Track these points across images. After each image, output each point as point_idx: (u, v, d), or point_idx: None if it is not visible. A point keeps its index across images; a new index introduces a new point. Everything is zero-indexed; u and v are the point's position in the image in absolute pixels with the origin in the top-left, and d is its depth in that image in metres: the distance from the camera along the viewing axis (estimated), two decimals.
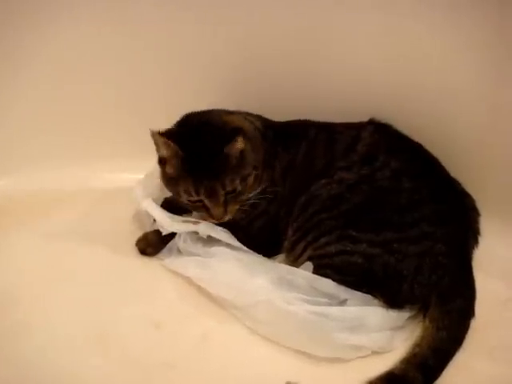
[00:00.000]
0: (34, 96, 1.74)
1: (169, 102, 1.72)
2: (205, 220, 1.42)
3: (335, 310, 1.28)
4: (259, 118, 1.54)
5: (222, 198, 1.35)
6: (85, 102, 1.76)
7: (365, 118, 1.50)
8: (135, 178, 1.63)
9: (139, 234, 1.55)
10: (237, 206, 1.40)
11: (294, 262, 1.41)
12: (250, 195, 1.41)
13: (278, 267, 1.39)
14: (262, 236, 1.47)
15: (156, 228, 1.50)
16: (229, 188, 1.34)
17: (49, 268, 1.48)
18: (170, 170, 1.38)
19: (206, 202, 1.35)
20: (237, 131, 1.33)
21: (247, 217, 1.46)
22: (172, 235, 1.46)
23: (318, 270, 1.35)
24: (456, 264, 1.31)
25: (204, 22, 1.64)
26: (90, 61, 1.71)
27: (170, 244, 1.48)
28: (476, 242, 1.36)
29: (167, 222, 1.46)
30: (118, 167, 1.78)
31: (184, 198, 1.37)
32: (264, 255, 1.44)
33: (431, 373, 1.19)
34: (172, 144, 1.33)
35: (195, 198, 1.35)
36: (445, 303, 1.28)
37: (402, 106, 1.53)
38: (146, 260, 1.51)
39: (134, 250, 1.53)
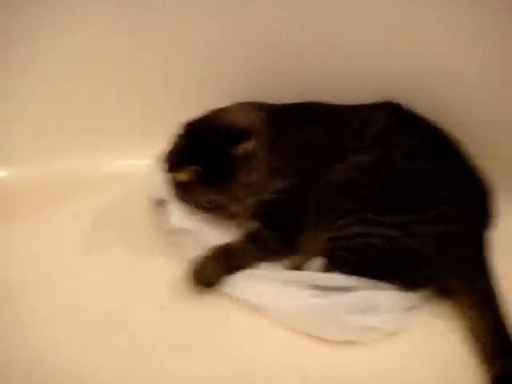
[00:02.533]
0: (46, 85, 1.72)
1: (174, 90, 1.73)
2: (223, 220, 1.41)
3: (345, 296, 1.28)
4: (262, 105, 1.52)
5: (237, 194, 1.34)
6: (96, 90, 1.74)
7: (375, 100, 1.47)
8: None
9: (149, 221, 1.53)
10: (253, 201, 1.38)
11: (310, 246, 1.40)
12: (267, 187, 1.40)
13: (282, 273, 1.37)
14: (291, 213, 1.41)
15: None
16: (243, 181, 1.34)
17: (58, 255, 1.48)
18: (182, 177, 1.35)
19: (223, 199, 1.34)
20: (246, 133, 1.33)
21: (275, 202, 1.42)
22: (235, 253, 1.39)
23: (334, 253, 1.34)
24: (474, 245, 1.32)
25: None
26: (102, 51, 1.69)
27: None
28: (492, 223, 1.35)
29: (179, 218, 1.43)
30: (129, 154, 1.77)
31: (200, 200, 1.35)
32: (286, 244, 1.42)
33: None
34: (192, 168, 1.32)
35: (211, 197, 1.34)
36: (470, 285, 1.27)
37: (414, 88, 1.51)
38: (159, 244, 1.49)
39: (145, 238, 1.51)
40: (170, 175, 1.39)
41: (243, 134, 1.33)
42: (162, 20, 1.63)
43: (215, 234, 1.43)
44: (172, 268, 1.40)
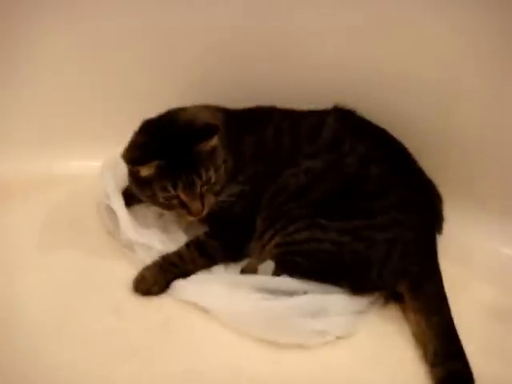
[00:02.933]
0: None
1: (127, 93, 1.72)
2: (182, 219, 1.39)
3: (295, 299, 1.29)
4: (218, 108, 1.51)
5: (198, 190, 1.32)
6: (48, 90, 1.72)
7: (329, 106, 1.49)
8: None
9: (101, 224, 1.52)
10: (212, 200, 1.36)
11: (261, 250, 1.40)
12: (223, 189, 1.38)
13: (233, 276, 1.39)
14: (240, 222, 1.43)
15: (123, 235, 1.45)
16: (204, 178, 1.31)
17: (7, 255, 1.46)
18: (145, 172, 1.32)
19: (183, 196, 1.32)
20: (213, 129, 1.31)
21: (227, 206, 1.41)
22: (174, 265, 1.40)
23: (284, 258, 1.35)
24: (424, 250, 1.33)
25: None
26: (55, 51, 1.67)
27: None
28: (440, 228, 1.38)
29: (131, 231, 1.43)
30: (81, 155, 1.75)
31: (160, 197, 1.33)
32: (233, 251, 1.43)
33: (459, 354, 1.19)
34: (154, 163, 1.29)
35: (172, 193, 1.31)
36: (418, 289, 1.29)
37: (365, 94, 1.53)
38: (110, 246, 1.49)
39: (97, 234, 1.51)
40: (129, 170, 1.37)
41: (210, 129, 1.31)
42: (115, 23, 1.63)
43: (166, 245, 1.44)
44: (124, 271, 1.40)
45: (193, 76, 1.67)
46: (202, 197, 1.33)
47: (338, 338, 1.27)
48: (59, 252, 1.47)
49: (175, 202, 1.33)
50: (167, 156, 1.28)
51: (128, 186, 1.49)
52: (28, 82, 1.69)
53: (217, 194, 1.37)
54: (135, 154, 1.32)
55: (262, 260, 1.38)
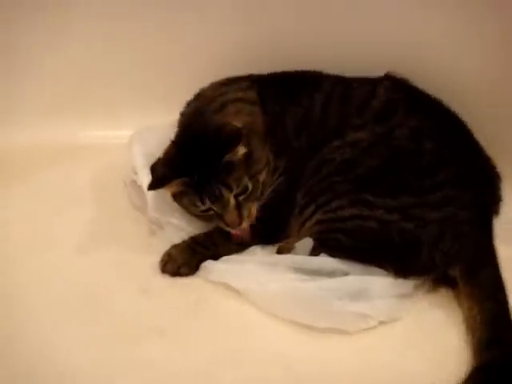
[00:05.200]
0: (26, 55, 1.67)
1: (169, 57, 1.67)
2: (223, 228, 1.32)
3: (334, 280, 1.24)
4: (251, 82, 1.44)
5: (232, 202, 1.25)
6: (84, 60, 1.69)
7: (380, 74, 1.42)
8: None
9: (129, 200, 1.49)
10: (254, 207, 1.29)
11: (301, 227, 1.33)
12: (267, 191, 1.32)
13: (268, 256, 1.34)
14: (284, 199, 1.35)
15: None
16: (236, 190, 1.25)
17: (36, 229, 1.44)
18: (172, 190, 1.29)
19: (216, 209, 1.26)
20: (236, 138, 1.22)
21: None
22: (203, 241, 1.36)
23: (326, 235, 1.28)
24: (479, 231, 1.26)
25: None
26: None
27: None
28: (497, 208, 1.30)
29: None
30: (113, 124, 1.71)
31: (193, 211, 1.30)
32: (273, 235, 1.37)
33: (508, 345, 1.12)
34: (178, 181, 1.25)
35: (202, 207, 1.26)
36: (473, 274, 1.22)
37: (419, 62, 1.46)
38: (136, 218, 1.46)
39: (124, 211, 1.48)
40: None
41: (233, 138, 1.22)
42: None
43: (195, 227, 1.40)
44: (152, 250, 1.37)
45: (233, 43, 1.61)
46: (239, 207, 1.27)
47: (380, 323, 1.21)
48: (83, 229, 1.45)
49: (212, 213, 1.28)
50: (194, 171, 1.23)
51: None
52: (52, 49, 1.67)
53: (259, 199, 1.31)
54: (159, 172, 1.27)
55: (300, 238, 1.32)
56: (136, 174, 1.46)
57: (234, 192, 1.24)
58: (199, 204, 1.25)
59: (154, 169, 1.29)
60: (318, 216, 1.29)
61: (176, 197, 1.31)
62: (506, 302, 1.17)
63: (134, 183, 1.47)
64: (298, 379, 1.12)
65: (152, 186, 1.26)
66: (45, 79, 1.69)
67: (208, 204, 1.25)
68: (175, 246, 1.35)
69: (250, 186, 1.26)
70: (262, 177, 1.30)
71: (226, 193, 1.23)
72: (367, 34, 1.53)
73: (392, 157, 1.27)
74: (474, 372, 1.09)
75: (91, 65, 1.69)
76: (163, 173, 1.26)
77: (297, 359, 1.15)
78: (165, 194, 1.38)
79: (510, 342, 1.12)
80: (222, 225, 1.29)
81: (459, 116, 1.36)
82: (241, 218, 1.27)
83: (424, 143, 1.27)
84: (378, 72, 1.42)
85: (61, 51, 1.67)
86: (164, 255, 1.34)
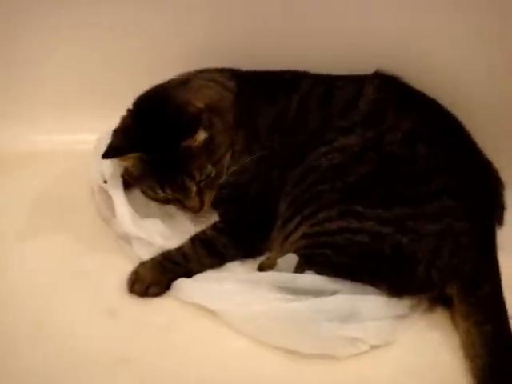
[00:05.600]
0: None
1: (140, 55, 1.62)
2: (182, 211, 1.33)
3: (322, 301, 1.18)
4: (232, 73, 1.42)
5: (193, 189, 1.25)
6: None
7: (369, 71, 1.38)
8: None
9: (93, 208, 1.43)
10: (215, 192, 1.30)
11: (284, 241, 1.27)
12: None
13: (249, 274, 1.29)
14: (258, 206, 1.32)
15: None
16: (199, 177, 1.25)
17: None
18: (131, 168, 1.28)
19: (177, 196, 1.27)
20: (195, 123, 1.21)
21: (238, 185, 1.32)
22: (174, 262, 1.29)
23: (312, 251, 1.22)
24: (480, 244, 1.20)
25: None
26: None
27: None
28: (501, 218, 1.24)
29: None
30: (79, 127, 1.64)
31: (151, 195, 1.29)
32: (248, 247, 1.31)
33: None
34: (134, 155, 1.23)
35: (162, 194, 1.27)
36: (471, 292, 1.17)
37: (410, 59, 1.42)
38: (103, 236, 1.38)
39: (89, 222, 1.41)
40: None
41: (192, 123, 1.21)
42: None
43: (169, 240, 1.33)
44: (119, 266, 1.30)
45: (204, 38, 1.56)
46: (200, 193, 1.28)
47: (372, 347, 1.16)
48: (44, 241, 1.38)
49: (170, 197, 1.30)
50: (152, 150, 1.22)
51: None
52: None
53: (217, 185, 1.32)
54: (116, 141, 1.26)
55: (283, 253, 1.27)
56: (105, 181, 1.38)
57: (197, 179, 1.25)
58: (159, 191, 1.26)
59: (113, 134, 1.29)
60: (303, 229, 1.24)
61: (134, 179, 1.30)
62: (506, 323, 1.12)
63: (103, 191, 1.39)
64: None
65: (107, 155, 1.24)
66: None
67: (169, 192, 1.26)
68: (143, 264, 1.28)
69: (214, 172, 1.27)
70: (226, 160, 1.29)
71: (188, 182, 1.24)
72: (357, 30, 1.48)
73: (384, 163, 1.22)
74: None
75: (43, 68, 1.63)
76: (120, 142, 1.25)
77: None
78: (134, 204, 1.34)
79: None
80: (181, 209, 1.31)
81: (455, 116, 1.32)
82: (202, 203, 1.28)
83: (418, 147, 1.22)
84: (369, 71, 1.37)
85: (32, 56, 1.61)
86: (131, 274, 1.27)
